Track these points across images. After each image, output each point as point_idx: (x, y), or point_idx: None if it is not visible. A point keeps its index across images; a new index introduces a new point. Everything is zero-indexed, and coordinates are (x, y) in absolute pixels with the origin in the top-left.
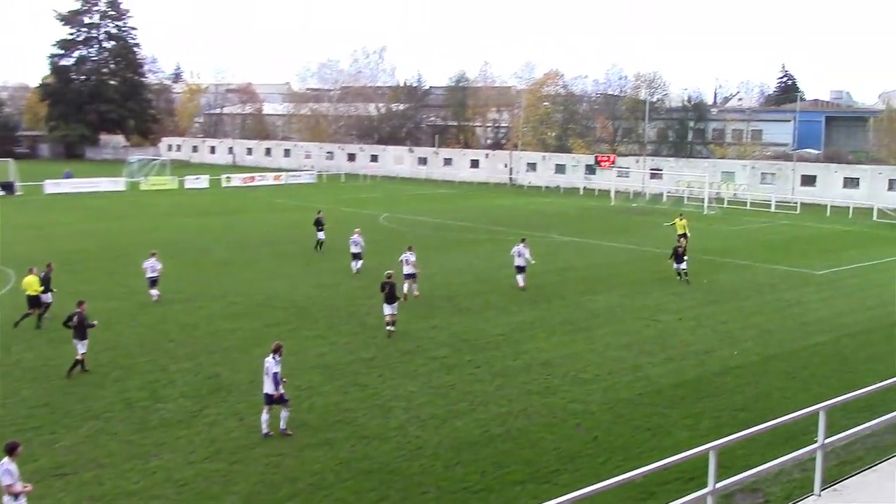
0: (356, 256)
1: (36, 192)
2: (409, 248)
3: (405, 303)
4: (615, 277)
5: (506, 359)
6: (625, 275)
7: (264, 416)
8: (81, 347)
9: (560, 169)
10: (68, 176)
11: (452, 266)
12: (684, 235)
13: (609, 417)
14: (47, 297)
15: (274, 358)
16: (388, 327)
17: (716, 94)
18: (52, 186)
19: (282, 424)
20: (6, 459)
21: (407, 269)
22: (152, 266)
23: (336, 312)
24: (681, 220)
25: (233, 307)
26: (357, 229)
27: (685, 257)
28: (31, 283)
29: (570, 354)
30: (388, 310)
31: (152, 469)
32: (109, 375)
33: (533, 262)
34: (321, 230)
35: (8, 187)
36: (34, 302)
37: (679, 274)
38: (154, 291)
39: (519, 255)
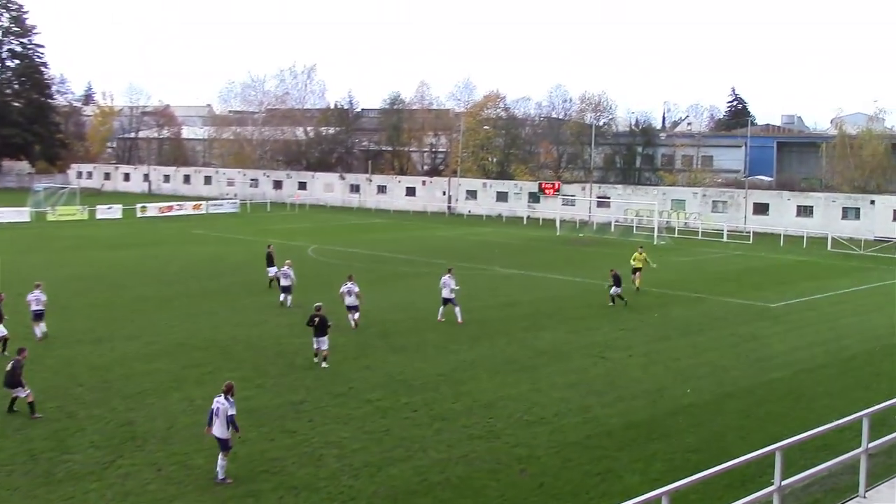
0: (286, 290)
1: None
2: (350, 278)
3: (353, 329)
4: (562, 312)
5: (445, 401)
6: (572, 309)
7: (221, 461)
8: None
9: (502, 197)
10: None
11: (387, 301)
12: (639, 270)
13: (556, 462)
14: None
15: (227, 399)
16: (319, 362)
17: (664, 118)
18: None
19: (220, 473)
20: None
21: (349, 301)
22: (37, 298)
23: (262, 353)
24: (640, 253)
25: (149, 348)
26: (288, 261)
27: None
28: None
29: (514, 395)
30: (317, 344)
31: None
32: (11, 424)
33: (457, 287)
34: (272, 265)
35: None
36: None
37: (613, 298)
38: (39, 328)
39: (445, 286)
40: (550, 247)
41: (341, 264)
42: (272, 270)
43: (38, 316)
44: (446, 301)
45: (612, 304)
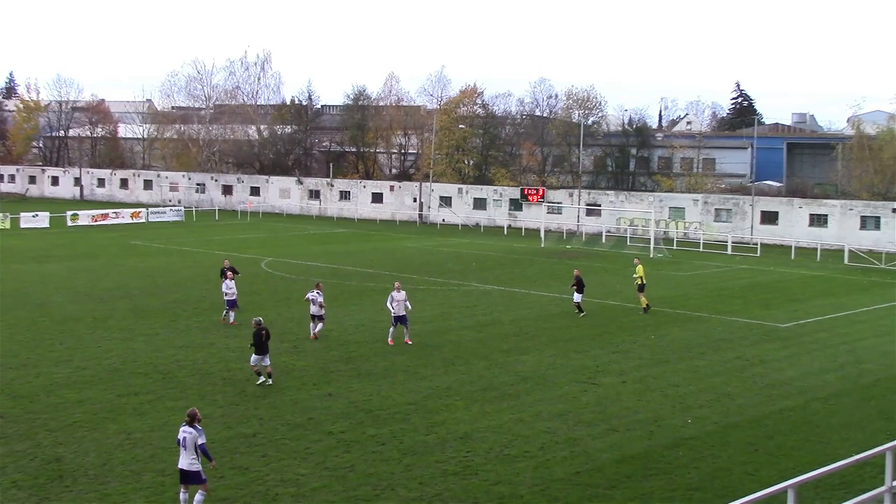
0: (231, 304)
1: None
2: (318, 286)
3: (312, 339)
4: (547, 333)
5: (417, 433)
6: (558, 330)
7: (182, 496)
8: None
9: (480, 204)
10: None
11: (351, 321)
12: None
13: (541, 501)
14: None
15: (194, 427)
16: (264, 380)
17: (661, 116)
18: None
19: None
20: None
21: (314, 310)
22: None
23: (208, 378)
24: (638, 265)
25: (80, 374)
26: (229, 272)
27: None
28: None
29: (493, 426)
30: (255, 360)
31: None
32: None
33: (410, 308)
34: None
35: None
36: None
37: (577, 308)
38: None
39: (394, 302)
40: (534, 260)
41: (299, 279)
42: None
43: None
44: (400, 319)
45: (578, 311)
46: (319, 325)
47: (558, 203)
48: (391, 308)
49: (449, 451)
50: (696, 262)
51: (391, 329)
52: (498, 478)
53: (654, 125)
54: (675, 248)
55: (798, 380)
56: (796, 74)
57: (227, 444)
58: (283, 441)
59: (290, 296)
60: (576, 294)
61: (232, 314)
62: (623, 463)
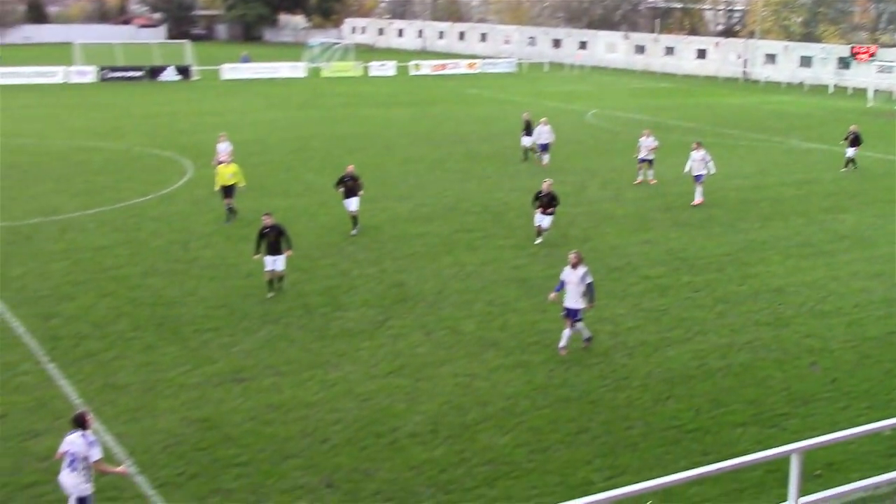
0: (544, 148)
1: (212, 76)
2: (646, 133)
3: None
4: (868, 193)
5: (730, 283)
6: (881, 191)
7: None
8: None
9: (805, 62)
10: (246, 60)
11: (671, 173)
12: None
13: (852, 357)
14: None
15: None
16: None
17: None
18: (229, 71)
19: None
20: (85, 432)
21: (643, 154)
22: (226, 148)
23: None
24: None
25: (420, 210)
26: (543, 118)
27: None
28: (224, 173)
29: (807, 282)
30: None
31: (332, 381)
32: (288, 277)
33: (712, 170)
34: (528, 134)
35: (184, 71)
36: (228, 192)
37: (848, 162)
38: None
39: (693, 162)
40: (860, 120)
41: (622, 131)
42: (527, 140)
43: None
44: (696, 179)
45: (845, 168)
46: (650, 172)
47: (891, 63)
48: (691, 168)
49: (761, 303)
50: None
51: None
52: (809, 331)
53: None
54: None
55: None
56: None
57: (551, 283)
58: (603, 282)
59: (612, 147)
60: (849, 149)
61: (546, 157)
62: None
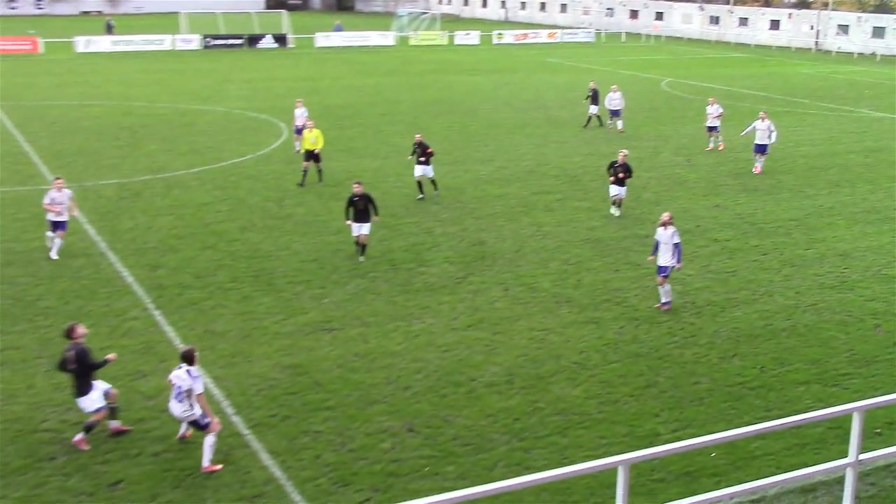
0: (615, 114)
1: (307, 44)
2: (712, 100)
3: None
4: None
5: (797, 247)
6: None
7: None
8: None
9: (878, 32)
10: (338, 29)
11: (741, 141)
12: None
13: None
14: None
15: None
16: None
17: None
18: (322, 39)
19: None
20: (191, 368)
21: (710, 122)
22: (302, 114)
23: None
24: None
25: (500, 172)
26: (614, 85)
27: None
28: (308, 137)
29: (873, 247)
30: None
31: (415, 332)
32: (375, 235)
33: (774, 139)
34: (595, 104)
35: (281, 39)
36: (311, 156)
37: None
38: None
39: (757, 131)
40: None
41: (696, 98)
42: (594, 108)
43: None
44: (758, 149)
45: None
46: (719, 138)
47: None
48: (753, 135)
49: (827, 266)
50: None
51: (758, 158)
52: (873, 295)
53: None
54: None
55: None
56: None
57: (623, 243)
58: None
59: (685, 114)
60: None
61: (620, 122)
62: None
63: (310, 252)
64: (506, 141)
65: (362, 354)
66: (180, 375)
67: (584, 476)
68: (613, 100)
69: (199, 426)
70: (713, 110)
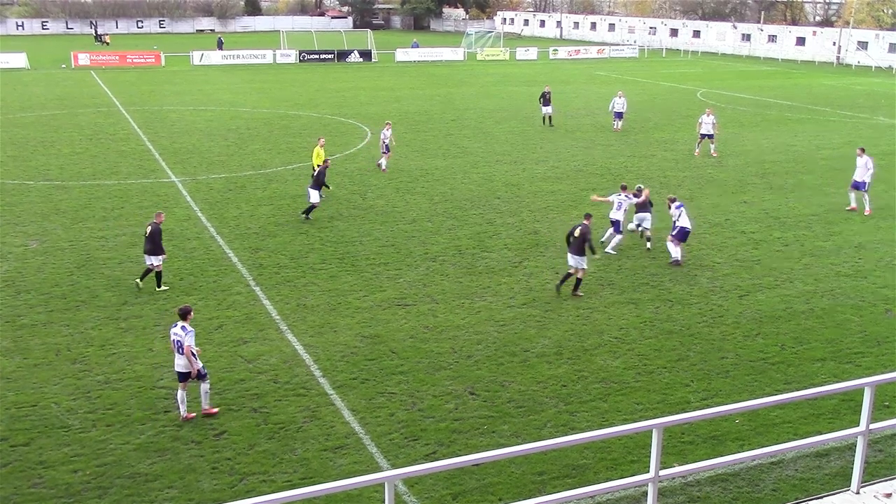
0: (619, 116)
1: (388, 59)
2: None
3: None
4: None
5: (816, 239)
6: None
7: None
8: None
9: (894, 48)
10: (415, 45)
11: (768, 144)
12: None
13: None
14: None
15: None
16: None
17: None
18: (401, 55)
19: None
20: (185, 324)
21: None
22: (385, 134)
23: (647, 182)
24: None
25: (553, 171)
26: (619, 91)
27: None
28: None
29: (885, 240)
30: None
31: (477, 308)
32: (444, 224)
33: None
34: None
35: (366, 55)
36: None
37: None
38: (382, 161)
39: (859, 168)
40: None
41: (727, 107)
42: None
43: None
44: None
45: None
46: (712, 146)
47: None
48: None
49: (843, 257)
50: None
51: (851, 195)
52: (885, 282)
53: None
54: None
55: None
56: None
57: (659, 234)
58: (704, 235)
59: (717, 121)
60: None
61: (619, 123)
62: None
63: (388, 238)
64: (559, 143)
65: (431, 327)
66: (177, 332)
67: (622, 437)
68: (617, 104)
69: (201, 376)
70: (708, 120)
